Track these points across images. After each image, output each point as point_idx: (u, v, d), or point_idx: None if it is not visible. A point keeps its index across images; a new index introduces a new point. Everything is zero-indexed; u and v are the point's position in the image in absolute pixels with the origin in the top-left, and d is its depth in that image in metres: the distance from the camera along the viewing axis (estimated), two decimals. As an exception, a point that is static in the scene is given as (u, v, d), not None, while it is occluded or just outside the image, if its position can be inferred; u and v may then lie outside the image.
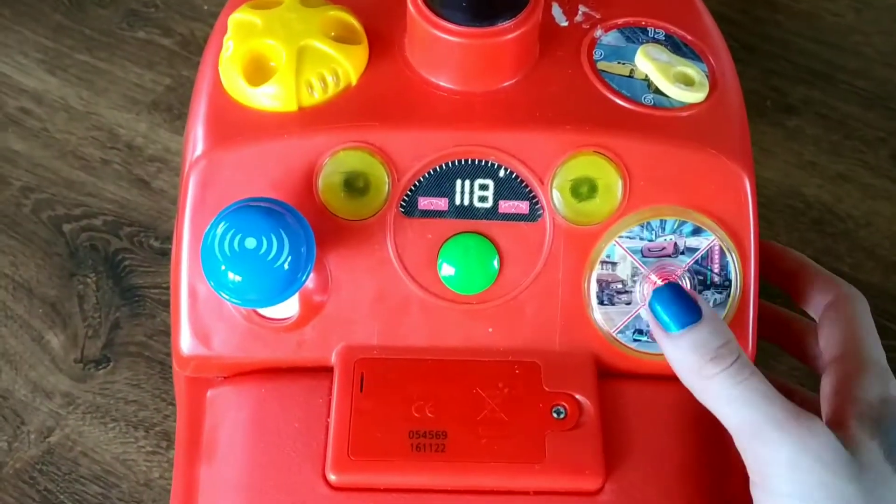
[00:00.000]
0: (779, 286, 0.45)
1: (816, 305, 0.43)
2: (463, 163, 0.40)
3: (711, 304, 0.40)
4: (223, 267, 0.36)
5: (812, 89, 0.74)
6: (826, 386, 0.40)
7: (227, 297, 0.37)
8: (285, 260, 0.36)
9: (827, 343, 0.41)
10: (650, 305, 0.38)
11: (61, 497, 0.56)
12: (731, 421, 0.36)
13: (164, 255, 0.66)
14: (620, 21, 0.44)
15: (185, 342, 0.41)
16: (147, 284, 0.64)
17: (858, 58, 0.76)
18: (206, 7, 0.79)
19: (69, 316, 0.63)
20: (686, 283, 0.40)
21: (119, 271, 0.65)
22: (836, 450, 0.35)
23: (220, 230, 0.36)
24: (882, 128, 0.72)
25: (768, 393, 0.36)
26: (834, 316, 0.42)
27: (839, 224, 0.67)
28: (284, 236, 0.36)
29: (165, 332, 0.63)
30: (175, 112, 0.73)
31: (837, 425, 0.37)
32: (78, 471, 0.57)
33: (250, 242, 0.36)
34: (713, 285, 0.41)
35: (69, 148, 0.71)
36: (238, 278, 0.36)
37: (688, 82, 0.42)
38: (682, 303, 0.37)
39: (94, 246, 0.66)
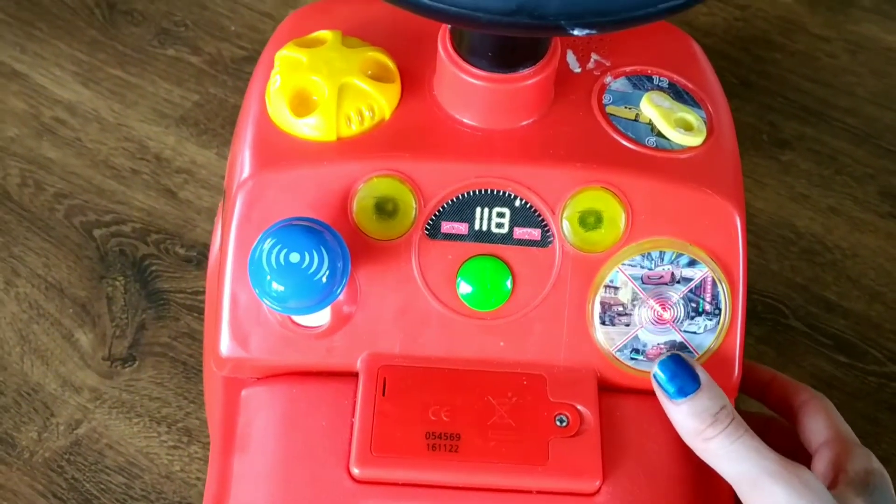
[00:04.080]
0: (754, 396, 0.50)
1: (788, 408, 0.47)
2: (483, 192, 0.43)
3: (703, 329, 0.44)
4: (268, 277, 0.39)
5: (805, 125, 0.77)
6: (819, 464, 0.44)
7: (270, 304, 0.39)
8: (324, 273, 0.39)
9: (812, 431, 0.45)
10: (654, 375, 0.42)
11: (87, 485, 0.59)
12: (732, 475, 0.40)
13: (188, 261, 0.69)
14: (628, 69, 0.46)
15: (225, 345, 0.43)
16: (172, 289, 0.67)
17: (850, 97, 0.79)
18: (233, 28, 0.82)
19: (98, 316, 0.66)
20: (681, 310, 0.44)
21: (146, 276, 0.68)
22: (825, 496, 0.39)
23: (267, 245, 0.39)
24: (871, 164, 0.75)
25: (761, 448, 0.40)
26: (811, 411, 0.46)
27: (828, 254, 0.70)
28: (324, 252, 0.39)
29: (189, 335, 0.65)
30: (202, 127, 0.76)
31: (831, 490, 0.41)
32: (103, 462, 0.60)
33: (294, 257, 0.39)
34: (705, 313, 0.44)
35: (101, 157, 0.73)
36: (281, 288, 0.39)
37: (687, 127, 0.44)
38: (683, 373, 0.41)
39: (122, 251, 0.69)
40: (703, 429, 0.40)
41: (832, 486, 0.42)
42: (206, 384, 0.51)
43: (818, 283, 0.69)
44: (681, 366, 0.42)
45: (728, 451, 0.40)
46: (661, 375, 0.42)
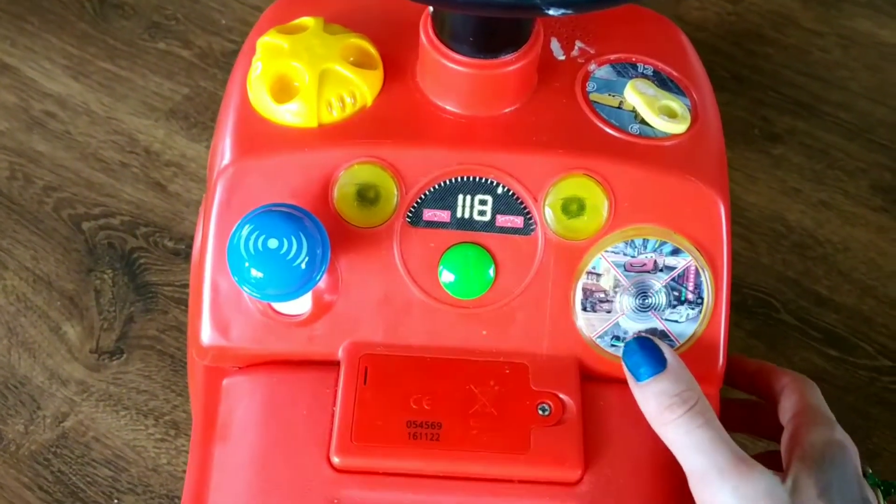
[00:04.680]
0: (744, 389, 0.49)
1: (773, 393, 0.47)
2: (465, 179, 0.43)
3: (684, 318, 0.44)
4: (247, 264, 0.39)
5: (798, 120, 0.77)
6: (784, 438, 0.43)
7: (248, 291, 0.39)
8: (303, 260, 0.38)
9: (785, 409, 0.45)
10: (622, 356, 0.42)
11: (73, 479, 0.59)
12: (685, 465, 0.40)
13: (177, 254, 0.69)
14: (612, 57, 0.46)
15: (206, 333, 0.43)
16: (160, 282, 0.67)
17: (843, 91, 0.79)
18: (223, 21, 0.82)
19: (86, 309, 0.66)
20: (662, 299, 0.44)
21: (134, 269, 0.68)
22: (770, 493, 0.39)
23: (245, 231, 0.39)
24: (862, 159, 0.75)
25: (716, 440, 0.39)
26: (789, 390, 0.45)
27: (819, 248, 0.70)
28: (303, 238, 0.38)
29: (177, 328, 0.65)
30: (192, 120, 0.76)
31: (786, 468, 0.41)
32: (90, 455, 0.60)
33: (272, 243, 0.38)
34: (687, 302, 0.43)
35: (90, 150, 0.74)
36: (260, 275, 0.39)
37: (671, 115, 0.44)
38: (649, 354, 0.41)
39: (111, 244, 0.69)
40: (661, 411, 0.40)
41: (787, 464, 0.41)
42: (190, 374, 0.51)
43: (809, 277, 0.69)
44: (647, 347, 0.41)
45: (683, 440, 0.40)
46: (628, 356, 0.41)
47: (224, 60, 0.79)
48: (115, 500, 0.58)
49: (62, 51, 0.79)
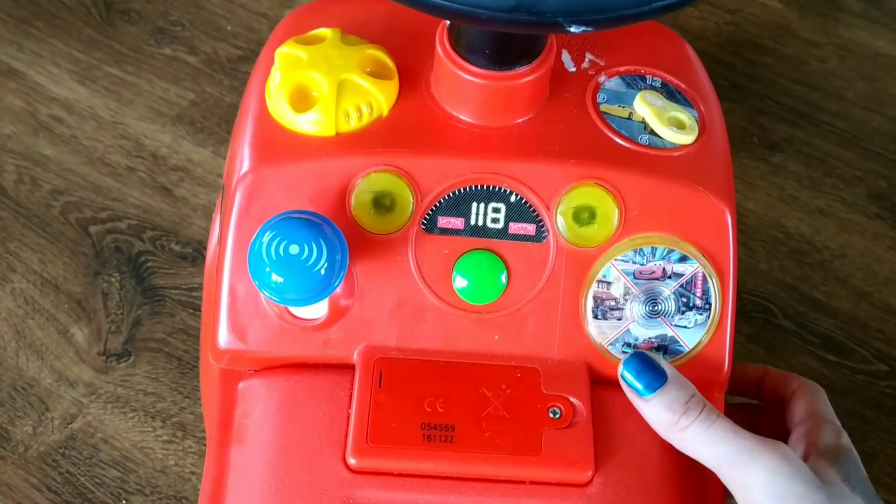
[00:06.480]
0: (748, 395, 0.50)
1: (780, 399, 0.48)
2: (479, 188, 0.44)
3: (693, 324, 0.45)
4: (268, 269, 0.39)
5: (795, 128, 0.78)
6: (792, 440, 0.45)
7: (269, 295, 0.40)
8: (322, 265, 0.39)
9: (794, 414, 0.46)
10: (621, 375, 0.42)
11: (82, 479, 0.59)
12: (711, 459, 0.41)
13: (184, 258, 0.69)
14: (622, 69, 0.47)
15: (223, 337, 0.44)
16: (167, 285, 0.68)
17: (839, 101, 0.80)
18: (229, 28, 0.82)
19: (93, 312, 0.66)
20: (672, 305, 0.45)
21: (141, 272, 0.68)
22: (803, 467, 0.40)
23: (267, 237, 0.39)
24: (859, 167, 0.76)
25: (736, 429, 0.41)
26: (798, 397, 0.47)
27: (816, 255, 0.71)
28: (323, 245, 0.39)
29: (184, 331, 0.66)
30: (198, 125, 0.76)
31: (805, 461, 0.42)
32: (98, 456, 0.60)
33: (293, 249, 0.39)
34: (695, 308, 0.44)
35: (97, 155, 0.74)
36: (280, 279, 0.39)
37: (679, 126, 0.45)
38: (649, 368, 0.42)
39: (118, 247, 0.69)
40: (677, 419, 0.41)
41: (804, 458, 0.43)
42: (203, 378, 0.52)
43: (807, 283, 0.70)
44: (646, 362, 0.42)
45: (705, 437, 0.41)
46: (628, 373, 0.42)
47: (230, 66, 0.80)
48: (123, 501, 0.59)
49: (69, 56, 0.79)
